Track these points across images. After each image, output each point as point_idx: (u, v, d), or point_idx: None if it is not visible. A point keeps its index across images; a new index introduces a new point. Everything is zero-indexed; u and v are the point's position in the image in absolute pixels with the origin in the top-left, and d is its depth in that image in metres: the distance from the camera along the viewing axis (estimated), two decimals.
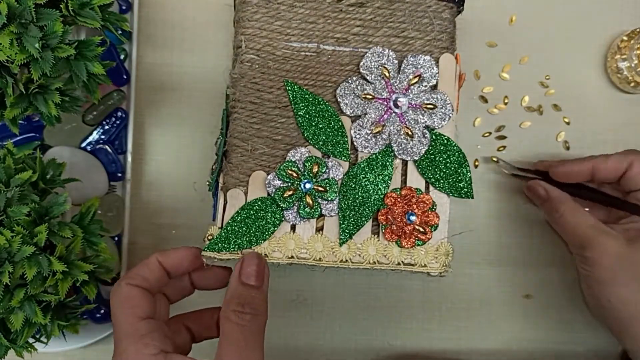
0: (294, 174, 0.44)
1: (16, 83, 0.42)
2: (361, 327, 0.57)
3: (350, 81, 0.46)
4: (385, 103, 0.46)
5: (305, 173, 0.44)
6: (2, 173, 0.42)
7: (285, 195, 0.44)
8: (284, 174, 0.44)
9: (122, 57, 0.54)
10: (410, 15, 0.47)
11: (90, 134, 0.54)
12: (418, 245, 0.45)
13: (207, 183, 0.47)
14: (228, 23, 0.55)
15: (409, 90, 0.46)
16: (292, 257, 0.44)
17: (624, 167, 0.50)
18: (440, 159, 0.46)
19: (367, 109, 0.45)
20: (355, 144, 0.45)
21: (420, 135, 0.45)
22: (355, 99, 0.45)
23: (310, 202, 0.44)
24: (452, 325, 0.57)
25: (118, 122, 0.54)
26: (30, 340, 0.44)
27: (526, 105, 0.57)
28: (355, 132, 0.45)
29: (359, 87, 0.46)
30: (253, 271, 0.41)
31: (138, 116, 0.54)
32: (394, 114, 0.46)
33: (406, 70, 0.46)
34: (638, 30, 0.55)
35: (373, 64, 0.46)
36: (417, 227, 0.45)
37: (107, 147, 0.54)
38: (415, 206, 0.45)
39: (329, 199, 0.44)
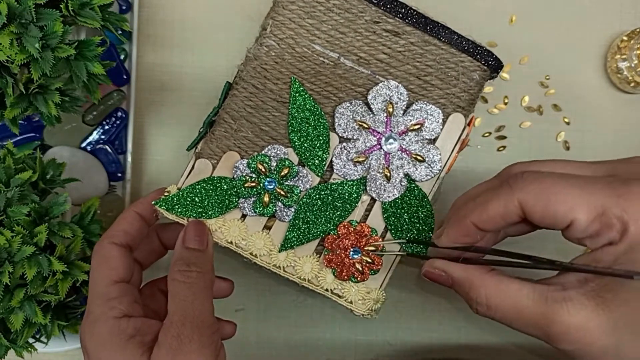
0: (262, 169, 0.44)
1: (16, 83, 0.42)
2: (361, 327, 0.57)
3: (353, 103, 0.45)
4: (378, 137, 0.45)
5: (274, 172, 0.44)
6: (2, 173, 0.42)
7: (246, 184, 0.44)
8: (254, 165, 0.44)
9: (122, 57, 0.54)
10: (439, 63, 0.45)
11: (90, 134, 0.54)
12: (352, 281, 0.44)
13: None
14: (228, 23, 0.55)
15: (405, 135, 0.45)
16: (231, 242, 0.44)
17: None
18: (409, 211, 0.45)
19: (358, 136, 0.45)
20: (333, 164, 0.45)
21: (397, 180, 0.44)
22: (351, 122, 0.45)
23: (266, 201, 0.44)
24: (452, 325, 0.57)
25: (118, 122, 0.54)
26: (30, 340, 0.44)
27: (526, 105, 0.57)
28: (337, 153, 0.45)
29: (359, 112, 0.45)
30: (197, 236, 0.42)
31: (138, 116, 0.54)
32: (381, 151, 0.45)
33: (412, 114, 0.45)
34: (638, 30, 0.55)
35: (382, 95, 0.45)
36: (356, 265, 0.44)
37: (107, 147, 0.54)
38: (364, 245, 0.44)
39: (287, 204, 0.44)
